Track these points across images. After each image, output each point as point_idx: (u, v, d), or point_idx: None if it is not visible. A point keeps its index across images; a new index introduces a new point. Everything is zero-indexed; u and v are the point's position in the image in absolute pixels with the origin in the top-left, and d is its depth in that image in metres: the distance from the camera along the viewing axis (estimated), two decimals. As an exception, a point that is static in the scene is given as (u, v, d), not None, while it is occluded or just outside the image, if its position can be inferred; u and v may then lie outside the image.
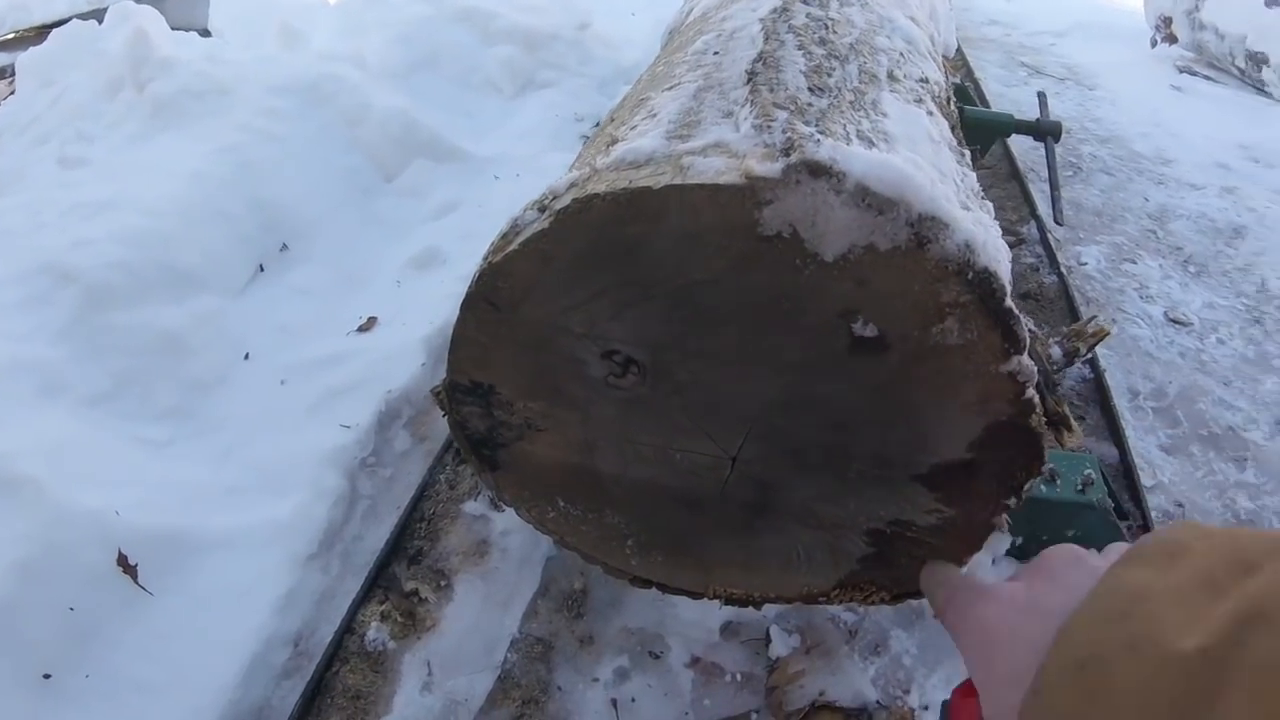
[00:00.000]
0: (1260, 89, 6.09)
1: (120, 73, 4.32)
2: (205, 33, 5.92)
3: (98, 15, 4.99)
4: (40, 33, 5.82)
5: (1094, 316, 1.86)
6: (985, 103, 4.84)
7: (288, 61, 4.53)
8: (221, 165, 3.68)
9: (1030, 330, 1.33)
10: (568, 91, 5.05)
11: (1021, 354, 1.15)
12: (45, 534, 2.14)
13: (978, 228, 1.07)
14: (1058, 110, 5.52)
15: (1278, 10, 5.88)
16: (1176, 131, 5.33)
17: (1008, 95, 5.68)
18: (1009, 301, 1.11)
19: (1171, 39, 6.79)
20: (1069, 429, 1.45)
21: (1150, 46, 6.91)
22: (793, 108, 1.17)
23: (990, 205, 1.35)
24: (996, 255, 1.10)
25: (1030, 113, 3.28)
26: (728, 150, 1.08)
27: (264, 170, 3.75)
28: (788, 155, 1.02)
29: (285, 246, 3.59)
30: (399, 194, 4.02)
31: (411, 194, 4.00)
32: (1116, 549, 0.70)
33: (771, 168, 1.01)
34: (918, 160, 1.13)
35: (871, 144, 1.14)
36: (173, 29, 4.72)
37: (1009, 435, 1.23)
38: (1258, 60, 6.04)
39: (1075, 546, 0.77)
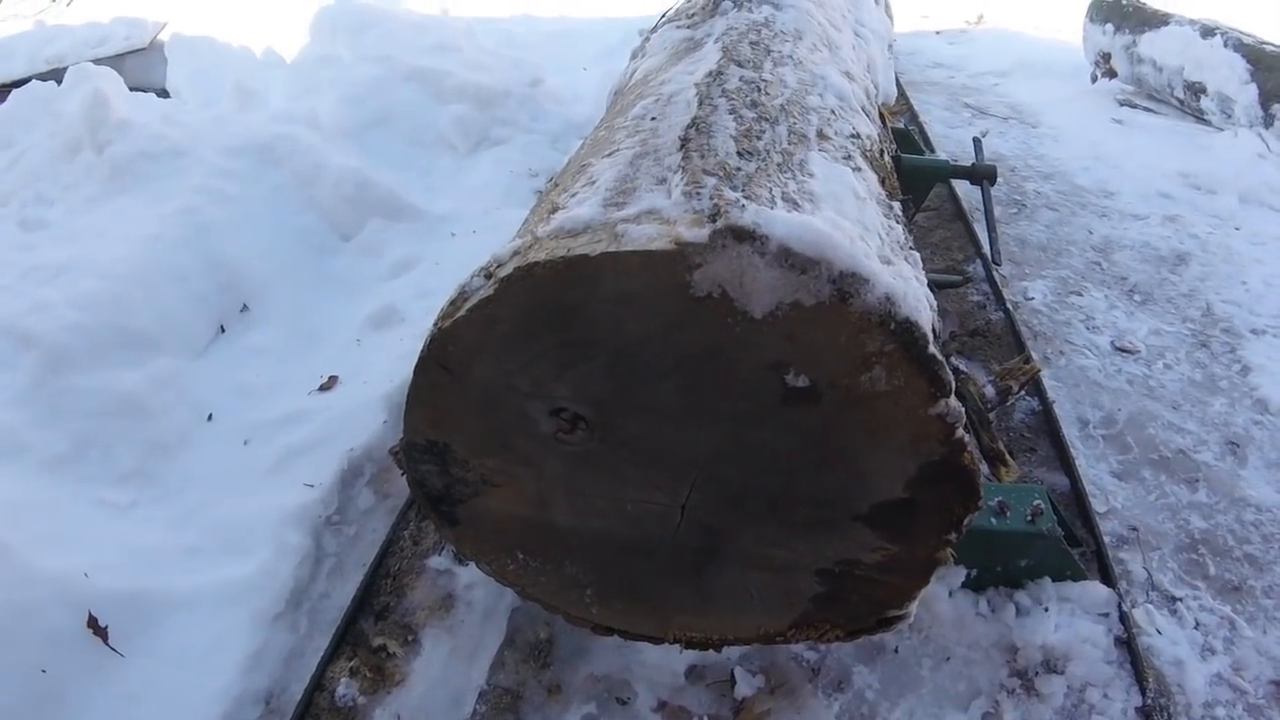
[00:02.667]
0: (1200, 117, 6.26)
1: (79, 134, 4.33)
2: (163, 92, 5.95)
3: (56, 75, 5.01)
4: (-1, 92, 5.83)
5: (1025, 355, 1.91)
6: (929, 145, 4.97)
7: (243, 122, 4.57)
8: (178, 227, 3.70)
9: (961, 371, 1.39)
10: (520, 147, 5.12)
11: (948, 397, 1.21)
12: (11, 596, 2.13)
13: (898, 280, 1.14)
14: (1001, 149, 5.66)
15: (1212, 40, 6.06)
16: (1118, 164, 5.46)
17: (952, 136, 5.80)
18: (933, 348, 1.18)
19: (1111, 74, 6.97)
20: (1005, 464, 1.51)
21: (1091, 82, 7.07)
22: (721, 173, 1.24)
23: (917, 256, 1.42)
24: (917, 305, 1.17)
25: (971, 156, 3.38)
26: (660, 217, 1.15)
27: (221, 231, 3.77)
28: (714, 221, 1.08)
29: (245, 307, 3.61)
30: (355, 253, 4.05)
31: (368, 252, 4.03)
32: None
33: (699, 233, 1.07)
34: (838, 220, 1.20)
35: (796, 205, 1.21)
36: (130, 89, 4.74)
37: (944, 474, 1.29)
38: (1196, 90, 6.21)
39: None
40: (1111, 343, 3.64)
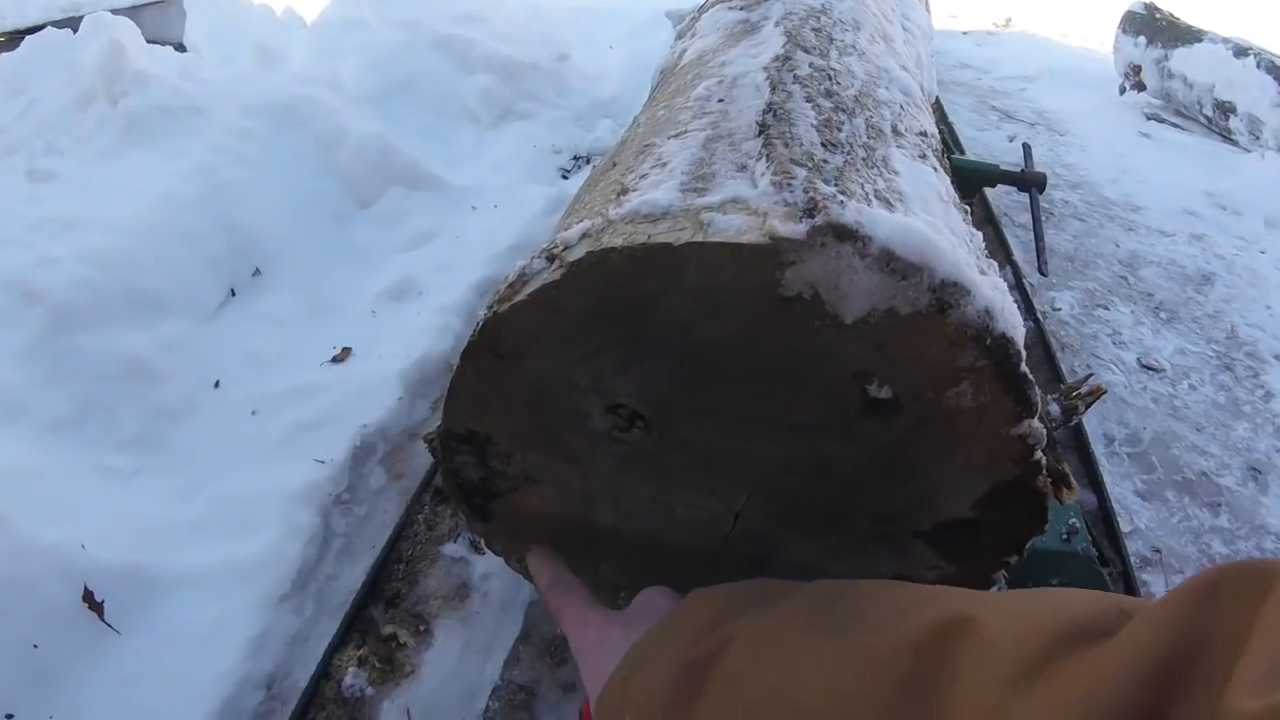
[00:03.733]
0: (1227, 137, 6.22)
1: (93, 85, 4.24)
2: (180, 47, 5.85)
3: (73, 23, 4.90)
4: (12, 38, 5.72)
5: (1090, 375, 1.84)
6: (961, 148, 4.90)
7: (263, 82, 4.47)
8: (193, 186, 3.61)
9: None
10: (545, 123, 5.03)
11: (1033, 417, 1.14)
12: (7, 567, 2.05)
13: (996, 293, 1.06)
14: (1030, 155, 5.60)
15: (1245, 60, 6.01)
16: (1145, 178, 5.42)
17: (980, 139, 5.74)
18: (1024, 367, 1.10)
19: (1140, 86, 6.92)
20: (1069, 487, 1.43)
21: (1119, 93, 7.03)
22: (810, 164, 1.15)
23: (996, 265, 1.34)
24: (1013, 321, 1.09)
25: (1004, 156, 3.31)
26: (746, 207, 1.06)
27: (237, 192, 3.69)
28: (812, 216, 1.00)
29: (258, 271, 3.52)
30: (374, 221, 3.96)
31: (386, 222, 3.94)
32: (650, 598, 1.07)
33: (796, 229, 0.98)
34: (937, 224, 1.12)
35: (890, 205, 1.13)
36: (148, 41, 4.64)
37: (1014, 495, 1.22)
38: (1225, 109, 6.17)
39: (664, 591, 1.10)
40: (1138, 359, 3.60)
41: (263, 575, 2.28)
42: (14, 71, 4.76)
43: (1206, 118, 6.35)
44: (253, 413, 2.86)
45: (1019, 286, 3.75)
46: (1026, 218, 4.52)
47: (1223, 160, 5.79)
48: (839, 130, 1.33)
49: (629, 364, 1.16)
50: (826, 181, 1.10)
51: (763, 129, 1.28)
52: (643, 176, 1.27)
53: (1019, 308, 3.59)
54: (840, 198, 1.03)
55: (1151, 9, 7.06)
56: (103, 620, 2.13)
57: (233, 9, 6.17)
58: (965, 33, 8.63)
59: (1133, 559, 2.56)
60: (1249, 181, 5.39)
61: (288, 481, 2.51)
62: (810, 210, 1.01)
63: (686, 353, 1.12)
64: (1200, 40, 6.45)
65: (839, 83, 1.58)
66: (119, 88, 4.17)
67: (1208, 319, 3.94)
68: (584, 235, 1.12)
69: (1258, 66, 5.91)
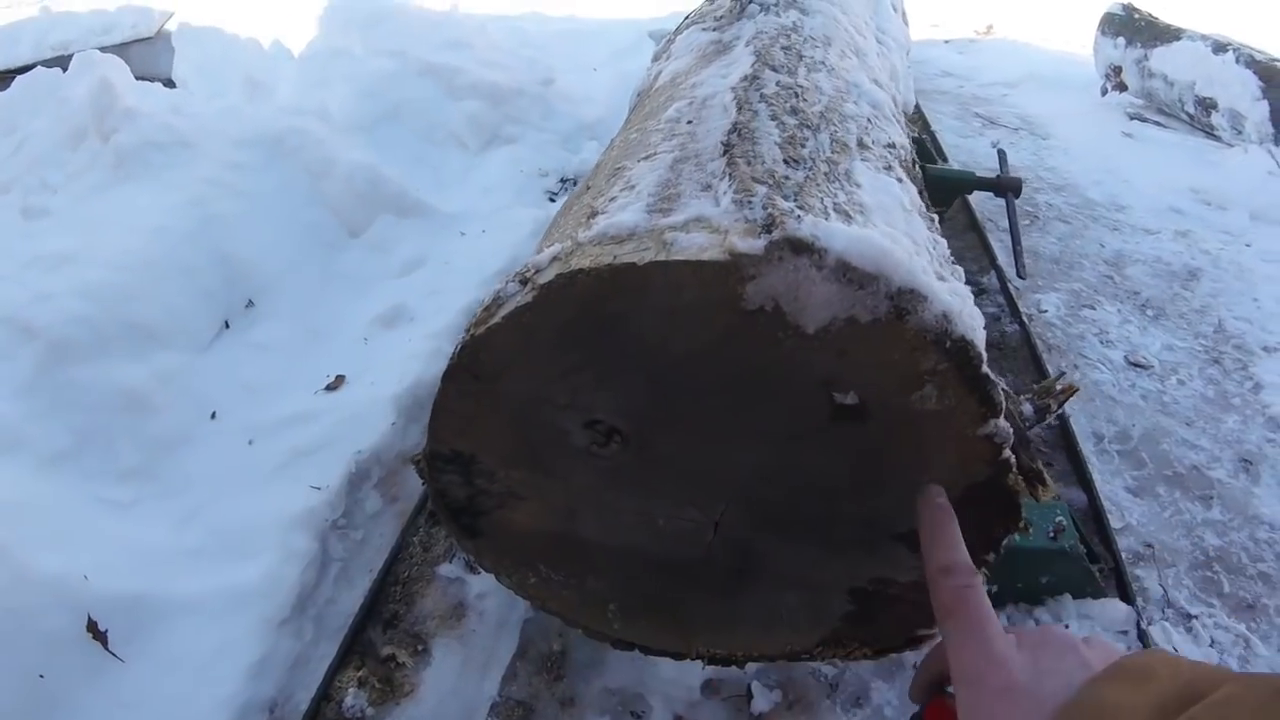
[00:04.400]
0: (1210, 133, 6.26)
1: (84, 122, 4.29)
2: (169, 83, 5.90)
3: (62, 62, 4.96)
4: (2, 78, 5.78)
5: (1062, 373, 1.88)
6: (943, 155, 4.94)
7: (252, 114, 4.52)
8: (185, 219, 3.65)
9: (1004, 390, 1.35)
10: (532, 146, 5.08)
11: (998, 417, 1.17)
12: (9, 599, 2.08)
13: (954, 298, 1.10)
14: (1012, 160, 5.60)
15: (1225, 56, 6.06)
16: (1129, 178, 5.46)
17: (964, 146, 5.79)
18: (985, 368, 1.14)
19: (1121, 87, 6.96)
20: (1043, 484, 1.47)
21: (1101, 95, 7.08)
22: (770, 181, 1.19)
23: (961, 271, 1.38)
24: (972, 324, 1.13)
25: (988, 165, 3.36)
26: (709, 225, 1.10)
27: (228, 224, 3.73)
28: (770, 232, 1.04)
29: (251, 303, 3.56)
30: (364, 249, 4.01)
31: (377, 249, 3.99)
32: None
33: (754, 244, 1.02)
34: (894, 234, 1.16)
35: (849, 217, 1.17)
36: (136, 78, 4.70)
37: (987, 494, 1.25)
38: (1206, 105, 6.21)
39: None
40: (1125, 357, 3.62)
41: (262, 601, 2.31)
42: (5, 111, 4.82)
43: (1189, 115, 6.39)
44: (249, 441, 2.90)
45: (1003, 290, 3.80)
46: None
47: (1206, 156, 5.83)
48: (802, 146, 1.37)
49: (603, 381, 1.20)
50: (786, 197, 1.14)
51: (727, 148, 1.33)
52: (612, 199, 1.32)
53: (1003, 311, 3.63)
54: (798, 212, 1.07)
55: (1130, 9, 7.12)
56: (107, 649, 2.16)
57: (220, 43, 6.24)
58: (947, 41, 8.70)
59: (1125, 555, 2.57)
60: (1233, 176, 5.44)
61: (285, 508, 2.54)
62: (769, 226, 1.05)
63: (658, 368, 1.16)
64: (1179, 38, 6.50)
65: (805, 99, 1.63)
66: (109, 124, 4.22)
67: (1195, 314, 3.97)
68: (554, 258, 1.17)
69: (1237, 61, 5.95)
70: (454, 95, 5.15)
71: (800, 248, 1.02)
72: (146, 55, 7.10)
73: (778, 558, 1.41)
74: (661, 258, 1.05)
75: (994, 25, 9.22)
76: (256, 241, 3.74)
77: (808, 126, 1.48)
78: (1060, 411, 1.97)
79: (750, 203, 1.12)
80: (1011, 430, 1.21)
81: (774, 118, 1.46)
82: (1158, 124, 6.56)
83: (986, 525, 1.32)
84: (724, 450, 1.25)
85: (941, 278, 1.15)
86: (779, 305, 1.05)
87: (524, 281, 1.19)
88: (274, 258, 3.73)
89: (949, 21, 9.37)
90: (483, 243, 3.97)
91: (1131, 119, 6.65)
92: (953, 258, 1.45)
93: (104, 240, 3.47)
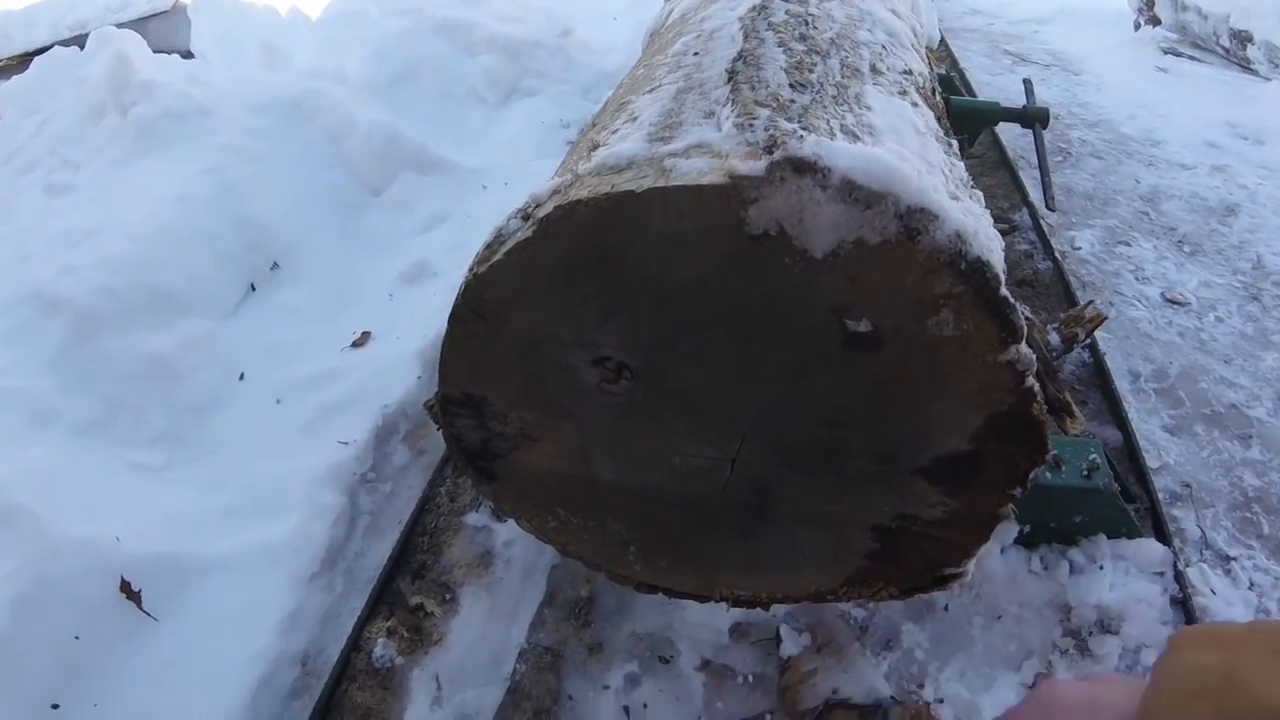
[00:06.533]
0: (1245, 67, 6.08)
1: (103, 98, 4.31)
2: (187, 54, 5.91)
3: (79, 41, 4.98)
4: (23, 60, 5.82)
5: (1090, 302, 1.83)
6: (971, 92, 4.84)
7: (269, 80, 4.52)
8: (205, 187, 3.66)
9: (1027, 318, 1.32)
10: (552, 98, 5.03)
11: (1019, 343, 1.13)
12: (43, 565, 2.11)
13: (968, 217, 1.06)
14: (1044, 97, 5.49)
15: (1260, -13, 5.88)
16: (1164, 112, 5.32)
17: (994, 84, 5.66)
18: (1004, 290, 1.10)
19: (1155, 21, 6.78)
20: (1071, 415, 1.43)
21: (1134, 30, 6.91)
22: (775, 105, 1.16)
23: (980, 194, 1.34)
24: (989, 244, 1.09)
25: (1018, 101, 3.26)
26: (710, 150, 1.07)
27: (248, 190, 3.73)
28: (771, 153, 1.00)
29: (276, 265, 3.57)
30: (386, 208, 4.00)
31: (399, 207, 3.97)
32: (1107, 680, 0.69)
33: (755, 166, 0.99)
34: (903, 152, 1.12)
35: (856, 138, 1.13)
36: (154, 52, 4.70)
37: (1011, 425, 1.22)
38: (1242, 38, 6.03)
39: (1080, 688, 0.70)
40: (1162, 294, 3.54)
41: (293, 556, 2.32)
42: (26, 92, 4.85)
43: (1224, 48, 6.21)
44: (277, 401, 2.91)
45: (1035, 227, 3.71)
46: (1049, 162, 4.48)
47: (1242, 90, 5.67)
48: (810, 71, 1.33)
49: (609, 315, 1.18)
50: (790, 119, 1.11)
51: (731, 76, 1.29)
52: (614, 132, 1.29)
53: (1036, 248, 3.56)
54: (801, 133, 1.03)
55: (1164, -60, 6.93)
56: (141, 609, 2.18)
57: (236, 13, 6.22)
58: (976, -24, 8.53)
59: (1162, 494, 2.52)
60: (1270, 110, 5.28)
61: (313, 464, 2.56)
62: (770, 147, 1.01)
63: (663, 299, 1.13)
64: (1214, -31, 6.33)
65: (816, 27, 1.58)
66: (128, 98, 4.23)
67: (1233, 250, 3.86)
68: (554, 192, 1.14)
69: (1274, -8, 5.80)
70: (470, 51, 5.10)
71: (803, 167, 0.98)
72: (164, 29, 7.12)
73: (796, 494, 1.38)
74: (660, 184, 1.02)
75: (1024, -40, 8.98)
76: (278, 205, 3.74)
77: (817, 52, 1.43)
78: (1088, 341, 1.93)
79: (752, 125, 1.08)
80: (1035, 357, 1.17)
81: (781, 44, 1.42)
82: (1192, 58, 6.39)
83: (1011, 458, 1.28)
84: (735, 384, 1.22)
85: (955, 197, 1.11)
86: (784, 229, 1.02)
87: (525, 216, 1.16)
88: (296, 220, 3.73)
89: (977, -43, 9.14)
90: (505, 195, 3.94)
91: (1165, 53, 6.48)
92: (972, 181, 1.41)
93: (126, 212, 3.49)
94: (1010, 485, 1.32)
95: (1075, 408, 1.41)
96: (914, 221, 1.01)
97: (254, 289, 3.47)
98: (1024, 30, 6.97)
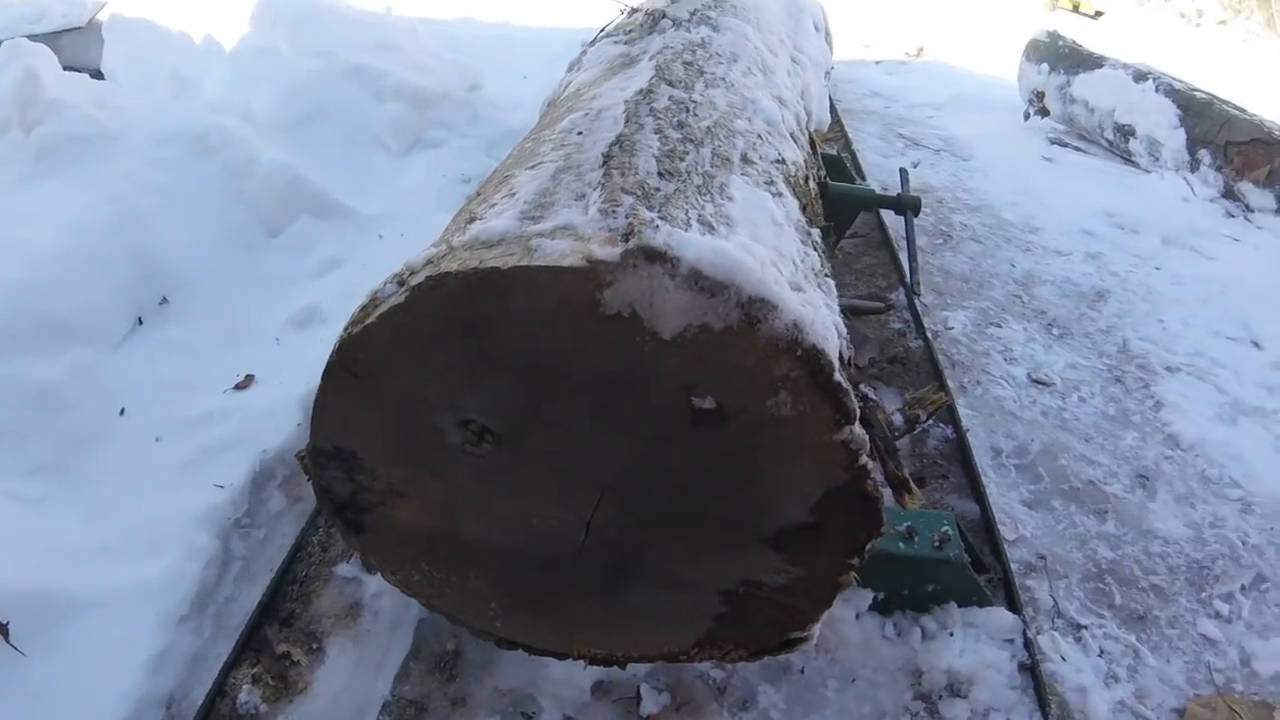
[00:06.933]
0: (1128, 159, 6.43)
1: (8, 112, 4.20)
2: (98, 74, 5.81)
3: (-10, 50, 4.85)
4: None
5: (934, 385, 1.95)
6: (861, 173, 5.03)
7: (176, 110, 4.47)
8: (104, 214, 3.61)
9: (870, 399, 1.42)
10: (455, 151, 5.10)
11: (852, 424, 1.23)
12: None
13: (806, 308, 1.16)
14: (931, 180, 5.77)
15: (1145, 85, 6.24)
16: (1045, 200, 5.58)
17: (886, 165, 5.86)
18: (838, 376, 1.20)
19: (1044, 112, 7.14)
20: (910, 492, 1.54)
21: (1024, 119, 7.24)
22: (640, 192, 1.24)
23: (831, 283, 1.44)
24: (825, 333, 1.19)
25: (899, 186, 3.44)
26: (575, 233, 1.15)
27: (146, 221, 3.69)
28: (627, 240, 1.09)
29: (165, 300, 3.53)
30: (282, 250, 3.98)
31: (295, 250, 3.96)
32: None
33: (611, 252, 1.07)
34: (751, 245, 1.21)
35: (712, 228, 1.22)
36: (65, 68, 4.62)
37: (848, 499, 1.31)
38: (1125, 132, 6.38)
39: None
40: (1028, 374, 3.72)
41: (164, 597, 2.29)
42: (-72, 97, 4.70)
43: (1108, 141, 6.57)
44: (157, 439, 2.87)
45: (910, 306, 3.89)
46: (928, 243, 4.67)
47: (1123, 181, 5.99)
48: (681, 160, 1.42)
49: (475, 381, 1.24)
50: (650, 208, 1.20)
51: (606, 160, 1.38)
52: (491, 206, 1.36)
53: (909, 327, 3.72)
54: (657, 223, 1.12)
55: (1054, 37, 7.32)
56: (8, 642, 2.13)
57: (151, 36, 6.13)
58: (878, 62, 8.85)
59: (1017, 566, 2.63)
60: (1148, 201, 5.59)
61: (190, 506, 2.52)
62: (627, 235, 1.10)
63: (526, 369, 1.20)
64: (1101, 66, 6.68)
65: (695, 114, 1.68)
66: (33, 115, 4.15)
67: (1100, 334, 4.08)
68: (427, 261, 1.21)
69: (1157, 90, 6.14)
70: (379, 97, 5.14)
71: (654, 256, 1.07)
72: (77, 45, 6.97)
73: (649, 557, 1.45)
74: (525, 263, 1.10)
75: (925, 48, 9.41)
76: (174, 239, 3.71)
77: (691, 140, 1.53)
78: (929, 422, 2.06)
79: (615, 212, 1.17)
80: (867, 438, 1.27)
81: (658, 131, 1.51)
82: (1078, 149, 6.75)
83: (850, 530, 1.37)
84: (592, 451, 1.29)
85: (799, 288, 1.21)
86: (635, 311, 1.10)
87: (400, 283, 1.22)
88: (191, 256, 3.70)
89: (881, 43, 9.52)
90: (400, 245, 3.96)
91: (1052, 143, 6.83)
92: (826, 270, 1.52)
93: (21, 234, 3.42)
94: (849, 555, 1.41)
95: (914, 485, 1.51)
96: (754, 310, 1.10)
97: (141, 322, 3.42)
98: (919, 115, 7.26)
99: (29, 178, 3.95)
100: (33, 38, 5.00)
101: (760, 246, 1.23)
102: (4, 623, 2.14)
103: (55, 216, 3.56)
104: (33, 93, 4.15)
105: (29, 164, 3.99)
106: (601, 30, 2.81)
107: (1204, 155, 5.82)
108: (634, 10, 2.74)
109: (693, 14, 2.47)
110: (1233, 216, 5.60)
